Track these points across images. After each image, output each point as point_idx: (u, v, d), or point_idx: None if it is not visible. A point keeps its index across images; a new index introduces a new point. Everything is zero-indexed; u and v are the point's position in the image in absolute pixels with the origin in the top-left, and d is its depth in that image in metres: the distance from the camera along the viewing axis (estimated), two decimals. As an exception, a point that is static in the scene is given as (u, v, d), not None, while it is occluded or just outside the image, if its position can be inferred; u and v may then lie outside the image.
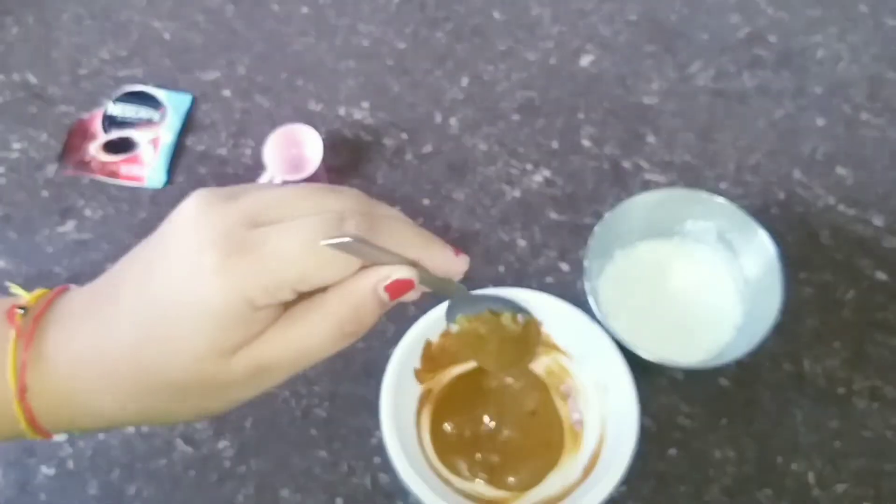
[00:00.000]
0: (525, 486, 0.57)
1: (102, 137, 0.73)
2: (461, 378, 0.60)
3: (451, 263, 0.30)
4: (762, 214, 0.65)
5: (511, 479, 0.57)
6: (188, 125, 0.74)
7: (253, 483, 0.59)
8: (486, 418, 0.59)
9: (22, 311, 0.28)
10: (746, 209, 0.59)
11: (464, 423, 0.59)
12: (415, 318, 0.57)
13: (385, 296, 0.28)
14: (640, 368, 0.55)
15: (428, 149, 0.72)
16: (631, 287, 0.62)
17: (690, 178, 0.69)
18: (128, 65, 0.77)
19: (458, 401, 0.60)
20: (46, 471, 0.60)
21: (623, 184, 0.69)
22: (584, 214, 0.68)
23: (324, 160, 0.66)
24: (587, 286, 0.57)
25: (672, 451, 0.59)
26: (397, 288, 0.28)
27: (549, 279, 0.66)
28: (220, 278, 0.25)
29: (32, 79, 0.77)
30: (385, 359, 0.57)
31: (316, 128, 0.67)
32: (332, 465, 0.60)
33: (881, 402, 0.60)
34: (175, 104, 0.74)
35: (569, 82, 0.75)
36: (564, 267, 0.66)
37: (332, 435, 0.61)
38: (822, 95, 0.73)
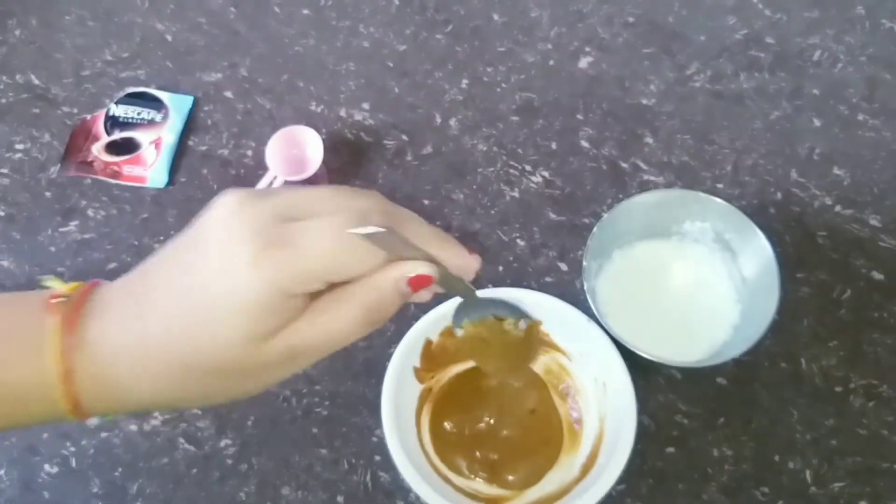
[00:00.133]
0: (524, 484, 0.58)
1: (105, 138, 0.73)
2: (461, 377, 0.61)
3: (465, 261, 0.32)
4: (759, 215, 0.66)
5: (510, 477, 0.58)
6: (190, 126, 0.74)
7: (255, 481, 0.60)
8: (485, 417, 0.60)
9: (63, 299, 0.30)
10: (744, 209, 0.59)
11: (464, 421, 0.60)
12: (415, 318, 0.57)
13: (406, 289, 0.30)
14: (639, 367, 0.56)
15: (428, 150, 0.72)
16: (629, 287, 0.63)
17: (688, 178, 0.70)
18: (130, 66, 0.78)
19: (458, 399, 0.60)
20: (50, 469, 0.61)
21: (621, 184, 0.70)
22: (583, 215, 0.69)
23: (325, 161, 0.67)
24: (586, 286, 0.58)
25: (670, 450, 0.60)
26: (418, 282, 0.30)
27: (548, 279, 0.66)
28: (256, 270, 0.27)
29: (35, 80, 0.77)
30: (385, 358, 0.57)
31: (317, 129, 0.68)
32: (332, 463, 0.60)
33: (877, 400, 0.60)
34: (177, 105, 0.75)
35: (567, 84, 0.75)
36: (563, 267, 0.67)
37: (333, 433, 0.61)
38: (819, 96, 0.73)
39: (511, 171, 0.71)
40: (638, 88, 0.74)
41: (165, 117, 0.74)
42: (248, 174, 0.71)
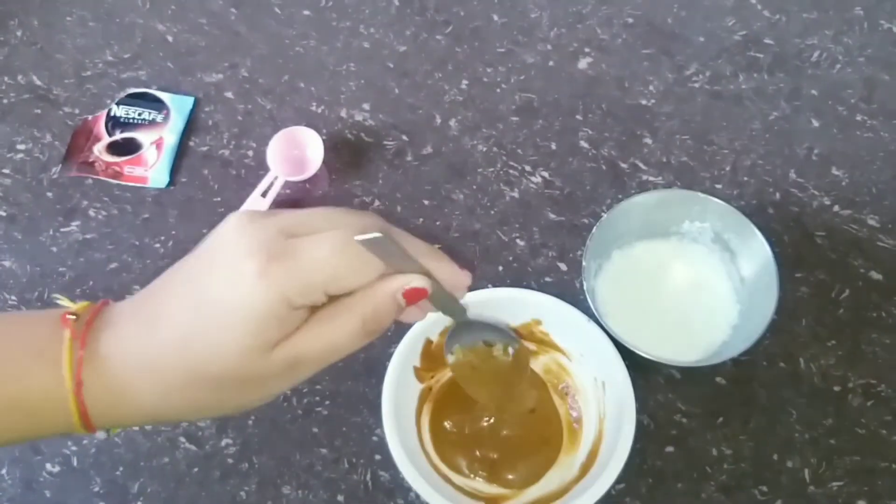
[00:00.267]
0: (524, 484, 0.58)
1: (106, 139, 0.74)
2: (461, 376, 0.61)
3: (457, 276, 0.34)
4: (758, 215, 0.66)
5: (510, 476, 0.58)
6: (191, 127, 0.74)
7: (255, 480, 0.60)
8: (485, 416, 0.60)
9: (74, 317, 0.31)
10: (742, 210, 0.60)
11: (463, 420, 0.60)
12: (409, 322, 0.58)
13: (402, 301, 0.32)
14: (638, 367, 0.56)
15: (428, 150, 0.73)
16: (628, 287, 0.63)
17: (687, 178, 0.70)
18: (131, 67, 0.78)
19: (458, 399, 0.60)
20: (51, 468, 0.61)
21: (621, 184, 0.70)
22: (583, 215, 0.69)
23: (325, 161, 0.67)
24: (585, 286, 0.58)
25: (669, 449, 0.60)
26: (413, 294, 0.32)
27: (547, 279, 0.67)
28: (262, 280, 0.28)
29: (37, 81, 0.78)
30: (386, 357, 0.58)
31: (317, 129, 0.68)
32: (333, 463, 0.60)
33: (875, 399, 0.61)
34: (178, 106, 0.75)
35: (567, 84, 0.75)
36: (563, 267, 0.67)
37: (334, 432, 0.61)
38: (817, 97, 0.73)
39: (511, 171, 0.71)
40: (637, 89, 0.75)
41: (166, 118, 0.74)
42: (248, 175, 0.72)
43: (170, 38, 0.79)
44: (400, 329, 0.58)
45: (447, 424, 0.60)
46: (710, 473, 0.59)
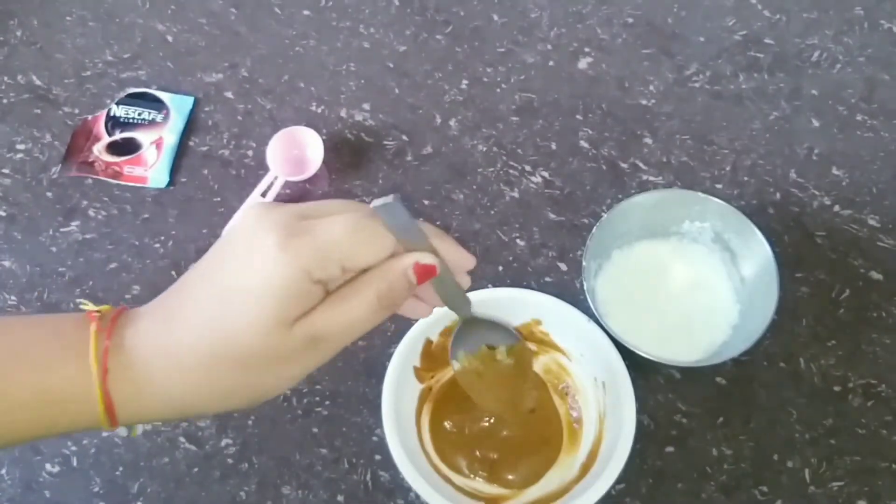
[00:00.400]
0: (524, 484, 0.58)
1: (106, 139, 0.74)
2: (461, 376, 0.61)
3: (463, 256, 0.36)
4: (758, 215, 0.66)
5: (510, 477, 0.58)
6: (191, 126, 0.74)
7: (255, 480, 0.60)
8: (485, 416, 0.60)
9: (98, 314, 0.33)
10: (743, 209, 0.60)
11: (463, 420, 0.60)
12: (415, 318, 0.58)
13: (413, 277, 0.33)
14: (638, 367, 0.56)
15: (428, 150, 0.73)
16: (629, 287, 0.63)
17: (687, 178, 0.70)
18: (131, 67, 0.78)
19: (458, 399, 0.60)
20: (51, 468, 0.61)
21: (621, 184, 0.70)
22: (583, 215, 0.69)
23: (325, 161, 0.67)
24: (585, 286, 0.58)
25: (669, 449, 0.60)
26: (423, 271, 0.33)
27: (547, 279, 0.67)
28: (282, 253, 0.30)
29: (37, 80, 0.78)
30: (386, 357, 0.58)
31: (317, 129, 0.68)
32: (333, 463, 0.60)
33: (876, 399, 0.61)
34: (178, 106, 0.75)
35: (567, 84, 0.75)
36: (563, 267, 0.67)
37: (334, 433, 0.61)
38: (817, 97, 0.73)
39: (511, 171, 0.71)
40: (637, 89, 0.75)
41: (166, 118, 0.74)
42: (248, 175, 0.72)
43: (169, 38, 0.79)
44: (400, 329, 0.58)
45: (447, 424, 0.60)
46: (710, 473, 0.59)
